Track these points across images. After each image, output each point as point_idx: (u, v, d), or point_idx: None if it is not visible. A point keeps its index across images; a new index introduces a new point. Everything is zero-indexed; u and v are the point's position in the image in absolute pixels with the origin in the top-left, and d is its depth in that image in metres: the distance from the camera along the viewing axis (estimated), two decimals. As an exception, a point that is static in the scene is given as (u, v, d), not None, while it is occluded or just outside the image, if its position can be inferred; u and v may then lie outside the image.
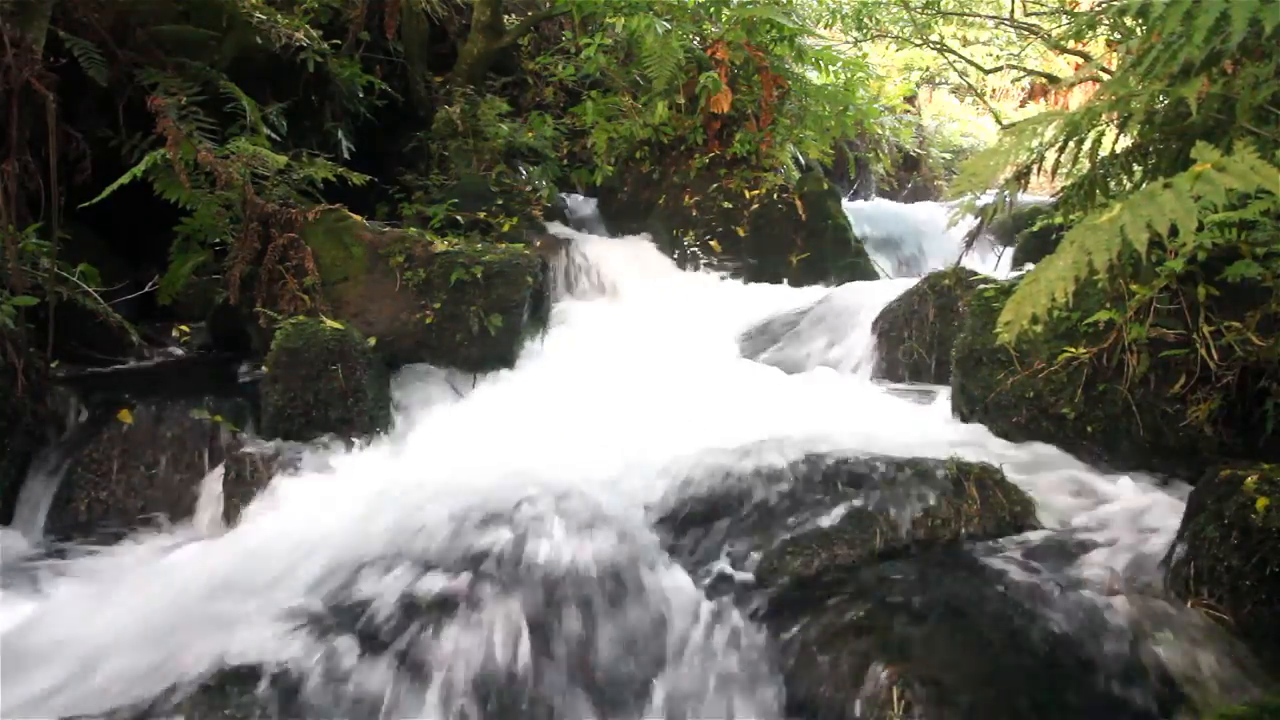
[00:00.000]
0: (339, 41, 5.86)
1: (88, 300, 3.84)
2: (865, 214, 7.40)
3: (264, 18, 5.13)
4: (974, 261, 5.09)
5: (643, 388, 4.23)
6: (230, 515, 3.31)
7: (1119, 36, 6.66)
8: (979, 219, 2.90)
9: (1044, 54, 11.18)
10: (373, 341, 4.05)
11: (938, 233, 6.87)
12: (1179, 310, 2.98)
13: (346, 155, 5.61)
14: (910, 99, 11.45)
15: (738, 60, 6.53)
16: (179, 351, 4.93)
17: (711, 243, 6.32)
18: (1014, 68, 11.46)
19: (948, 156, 11.83)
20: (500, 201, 6.10)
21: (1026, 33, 10.25)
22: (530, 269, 4.43)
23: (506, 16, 7.34)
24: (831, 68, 6.99)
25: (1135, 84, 2.30)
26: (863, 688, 2.01)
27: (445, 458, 3.58)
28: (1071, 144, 2.40)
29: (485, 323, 4.24)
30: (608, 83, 7.33)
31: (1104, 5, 4.92)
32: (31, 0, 3.83)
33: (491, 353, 4.32)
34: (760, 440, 3.16)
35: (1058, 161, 2.47)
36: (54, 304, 3.56)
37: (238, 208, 4.26)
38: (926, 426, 3.55)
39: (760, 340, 4.95)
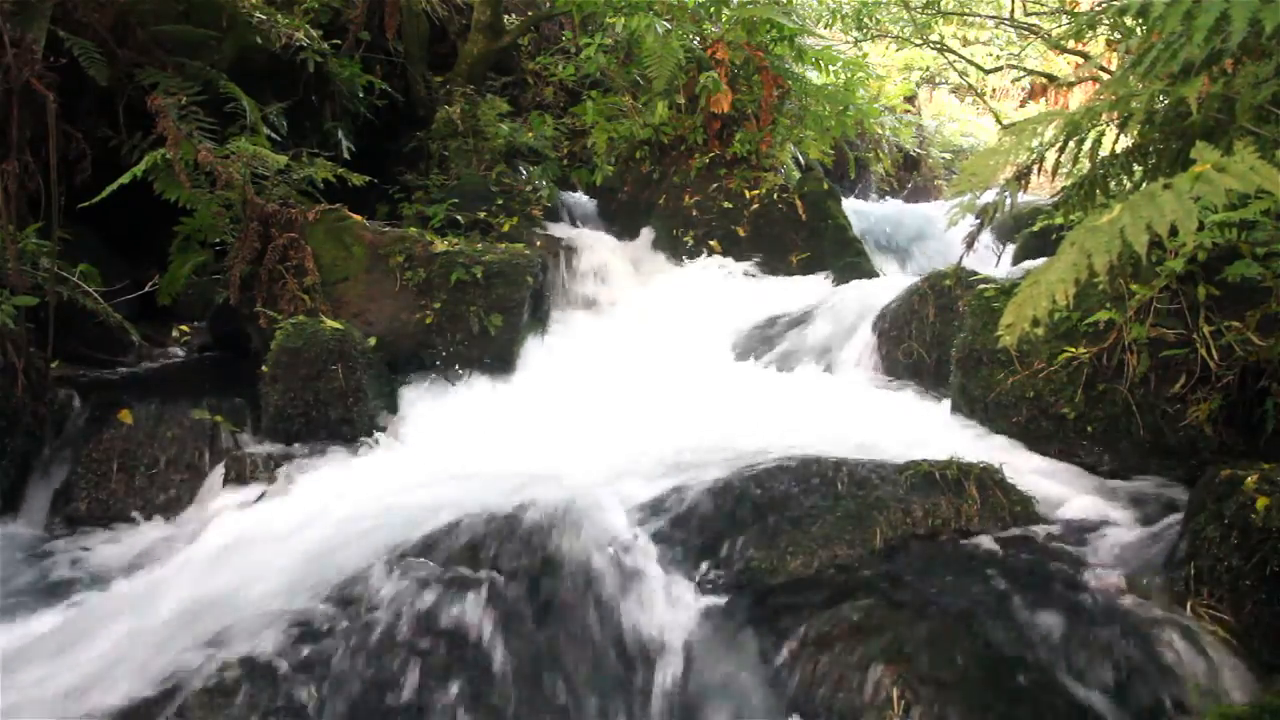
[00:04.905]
0: (339, 41, 5.86)
1: (88, 300, 3.83)
2: (865, 214, 7.40)
3: (264, 18, 5.12)
4: (974, 261, 5.08)
5: (642, 388, 4.23)
6: (230, 515, 3.31)
7: (1119, 36, 6.66)
8: (979, 219, 2.90)
9: (1044, 54, 11.18)
10: (373, 341, 4.05)
11: (938, 233, 6.88)
12: (1179, 310, 2.98)
13: (346, 155, 5.60)
14: (910, 99, 11.45)
15: (738, 60, 6.53)
16: (179, 352, 4.93)
17: (711, 242, 6.31)
18: (1014, 68, 11.46)
19: (948, 156, 11.83)
20: (500, 201, 6.09)
21: (1026, 33, 10.25)
22: (530, 269, 4.43)
23: (506, 16, 7.34)
24: (831, 68, 6.98)
25: (1135, 84, 2.30)
26: (863, 688, 2.01)
27: (445, 457, 3.58)
28: (1071, 144, 2.40)
29: (485, 323, 4.24)
30: (608, 83, 7.33)
31: (1104, 5, 4.92)
32: (31, 0, 3.83)
33: (491, 353, 4.32)
34: (760, 440, 3.17)
35: (1058, 161, 2.48)
36: (54, 304, 3.55)
37: (238, 208, 4.26)
38: (926, 426, 3.55)
39: (760, 340, 4.95)
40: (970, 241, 3.32)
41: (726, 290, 5.96)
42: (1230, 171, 1.60)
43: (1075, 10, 9.04)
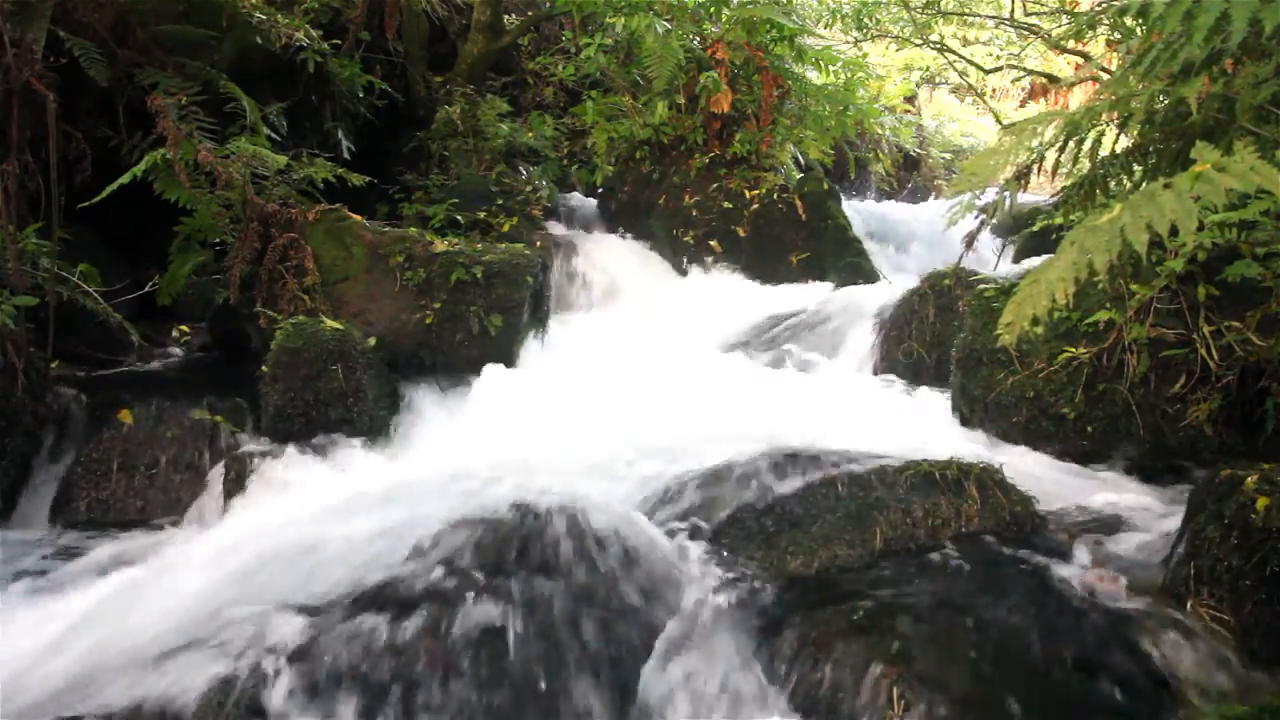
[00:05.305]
0: (339, 41, 5.86)
1: (88, 300, 3.84)
2: (865, 214, 7.40)
3: (264, 18, 5.13)
4: (974, 261, 5.08)
5: (642, 388, 4.23)
6: (229, 515, 3.31)
7: (1119, 36, 6.66)
8: (979, 219, 2.90)
9: (1044, 54, 11.19)
10: (373, 341, 4.05)
11: (938, 233, 6.87)
12: (1179, 310, 2.98)
13: (346, 155, 5.61)
14: (910, 99, 11.45)
15: (738, 60, 6.53)
16: (179, 352, 4.93)
17: (711, 243, 6.32)
18: (1014, 68, 11.47)
19: (948, 156, 11.83)
20: (500, 201, 6.10)
21: (1026, 33, 10.26)
22: (530, 269, 4.43)
23: (506, 16, 7.34)
24: (831, 68, 6.98)
25: (1135, 84, 2.30)
26: (863, 688, 2.01)
27: (445, 457, 3.58)
28: (1071, 144, 2.40)
29: (485, 323, 4.24)
30: (608, 83, 7.33)
31: (1104, 5, 4.92)
32: (31, 0, 3.83)
33: (491, 353, 4.32)
34: (760, 440, 3.16)
35: (1058, 161, 2.47)
36: (54, 304, 3.56)
37: (238, 208, 4.26)
38: (926, 426, 3.55)
39: (760, 340, 4.95)
40: (970, 241, 3.32)
41: (726, 290, 5.97)
42: (1230, 171, 1.60)
43: (1075, 10, 9.05)
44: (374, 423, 3.83)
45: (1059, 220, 4.60)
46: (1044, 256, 2.24)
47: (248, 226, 4.19)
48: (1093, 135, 2.39)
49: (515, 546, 2.47)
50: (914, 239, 7.32)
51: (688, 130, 6.64)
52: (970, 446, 3.23)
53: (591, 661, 2.22)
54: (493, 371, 4.33)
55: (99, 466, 3.52)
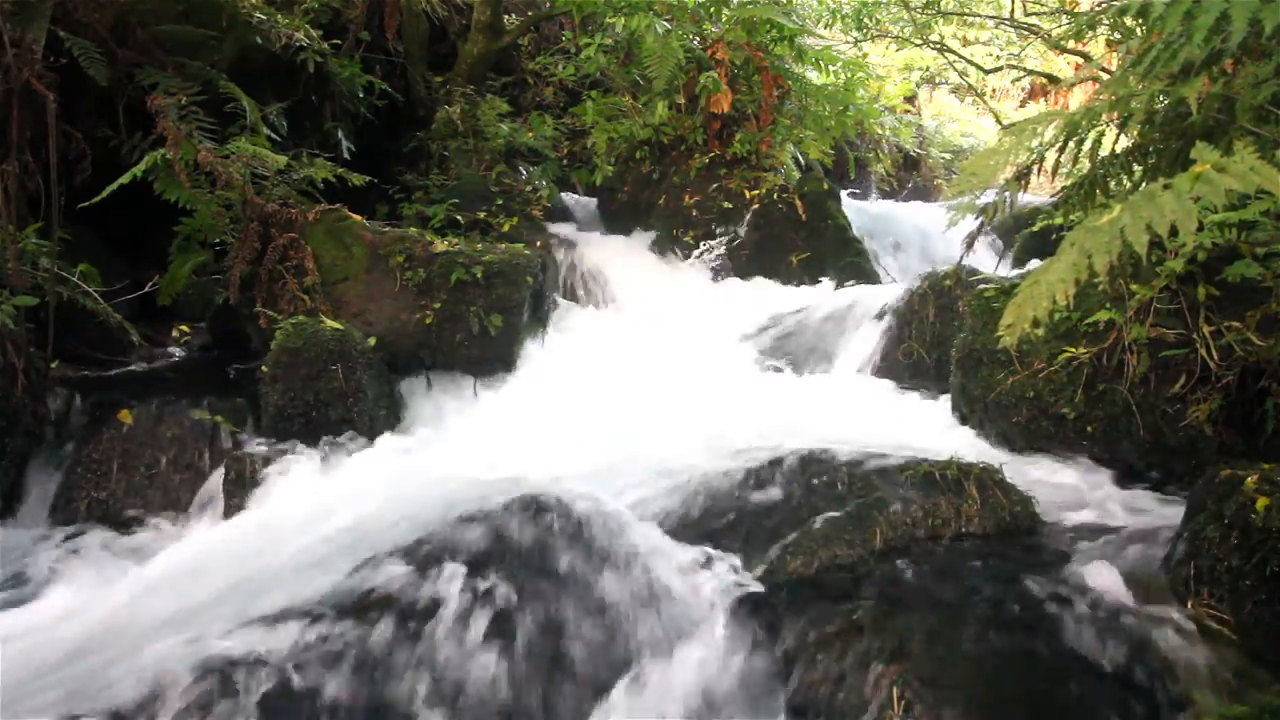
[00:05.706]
0: (339, 41, 5.86)
1: (88, 300, 3.84)
2: (865, 214, 7.40)
3: (264, 18, 5.13)
4: (974, 261, 5.08)
5: (642, 388, 4.24)
6: (230, 515, 3.31)
7: (1119, 36, 6.67)
8: (979, 219, 2.90)
9: (1044, 54, 11.19)
10: (373, 341, 4.05)
11: (938, 233, 6.87)
12: (1179, 310, 2.98)
13: (346, 155, 5.61)
14: (910, 99, 11.44)
15: (738, 60, 6.52)
16: (179, 352, 4.93)
17: (711, 242, 6.31)
18: (1014, 68, 11.47)
19: (948, 156, 11.82)
20: (500, 201, 6.10)
21: (1026, 33, 10.26)
22: (530, 269, 4.43)
23: (506, 16, 7.34)
24: (831, 68, 6.98)
25: (1135, 84, 2.30)
26: (863, 688, 2.01)
27: (445, 457, 3.58)
28: (1071, 144, 2.40)
29: (485, 323, 4.24)
30: (608, 83, 7.33)
31: (1104, 5, 4.92)
32: (31, 0, 3.83)
33: (491, 353, 4.32)
34: (760, 440, 3.17)
35: (1058, 161, 2.47)
36: (54, 304, 3.56)
37: (238, 208, 4.26)
38: (927, 426, 3.55)
39: (760, 340, 4.95)
40: (970, 241, 3.32)
41: (726, 290, 5.97)
42: (1230, 171, 1.60)
43: (1075, 10, 9.05)
44: (374, 423, 3.83)
45: (1059, 220, 4.60)
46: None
47: (248, 226, 4.20)
48: (1093, 135, 2.39)
49: (513, 547, 2.47)
50: (914, 239, 7.31)
51: (688, 130, 6.64)
52: (970, 446, 3.23)
53: (590, 661, 2.22)
54: (492, 372, 4.34)
55: (99, 466, 3.52)
